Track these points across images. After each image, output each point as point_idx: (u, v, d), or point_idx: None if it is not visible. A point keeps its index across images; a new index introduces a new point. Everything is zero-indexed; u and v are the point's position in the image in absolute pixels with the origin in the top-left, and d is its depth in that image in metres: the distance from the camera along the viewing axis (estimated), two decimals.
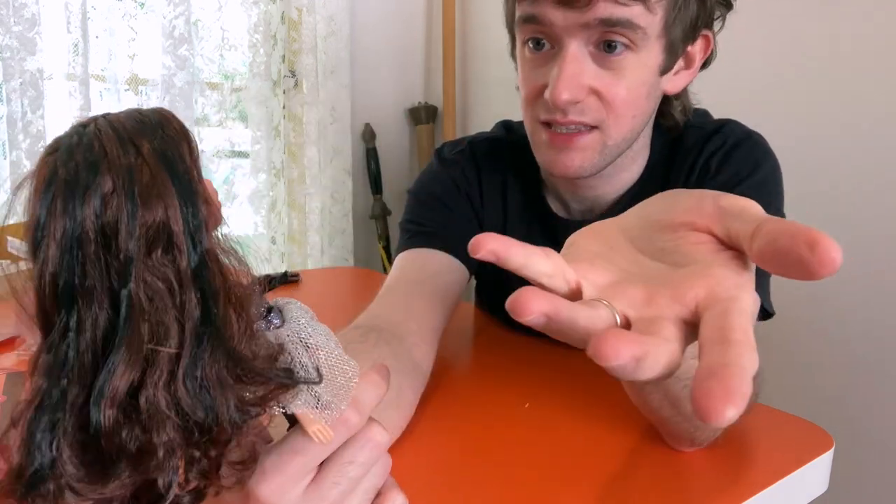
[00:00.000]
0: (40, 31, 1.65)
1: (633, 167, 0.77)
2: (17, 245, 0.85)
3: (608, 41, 0.64)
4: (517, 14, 0.68)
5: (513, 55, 0.76)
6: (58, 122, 1.74)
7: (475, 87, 2.27)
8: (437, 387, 0.68)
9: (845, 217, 1.34)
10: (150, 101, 1.88)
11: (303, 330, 0.31)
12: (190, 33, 1.86)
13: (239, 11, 1.97)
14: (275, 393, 0.29)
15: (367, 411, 0.33)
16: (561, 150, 0.69)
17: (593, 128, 0.68)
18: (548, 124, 0.69)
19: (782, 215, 0.73)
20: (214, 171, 2.02)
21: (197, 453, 0.27)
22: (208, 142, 1.98)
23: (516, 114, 0.88)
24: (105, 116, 0.26)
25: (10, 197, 0.26)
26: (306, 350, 0.31)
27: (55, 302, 0.25)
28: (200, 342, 0.26)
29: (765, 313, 0.70)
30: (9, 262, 1.00)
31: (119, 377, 0.24)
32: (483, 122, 2.20)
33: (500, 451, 0.59)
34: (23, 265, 0.26)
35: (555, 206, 0.82)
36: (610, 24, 0.63)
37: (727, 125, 0.76)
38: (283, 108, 2.06)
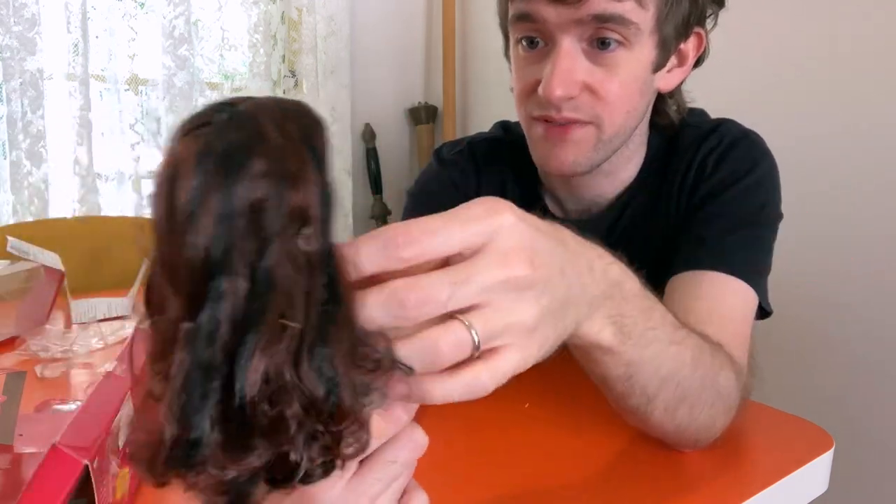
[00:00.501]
0: (40, 31, 1.65)
1: (629, 166, 0.77)
2: (16, 245, 0.85)
3: (601, 38, 0.64)
4: (510, 13, 0.68)
5: (507, 55, 0.76)
6: (58, 122, 1.74)
7: (475, 87, 2.27)
8: None
9: (845, 217, 1.34)
10: (150, 100, 1.88)
11: None
12: (190, 33, 1.86)
13: (239, 11, 1.97)
14: (384, 379, 0.29)
15: (413, 410, 0.34)
16: (556, 145, 0.69)
17: (588, 123, 0.68)
18: (543, 119, 0.69)
19: (779, 214, 0.73)
20: None
21: (319, 428, 0.27)
22: None
23: (516, 114, 0.88)
24: (251, 99, 0.27)
25: (163, 156, 0.26)
26: None
27: (205, 272, 0.25)
28: (327, 321, 0.26)
29: (763, 312, 0.70)
30: (9, 262, 0.99)
31: (261, 350, 0.25)
32: (483, 122, 2.20)
33: (500, 451, 0.59)
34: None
35: (552, 206, 0.82)
36: (602, 19, 0.63)
37: (724, 124, 0.76)
38: None
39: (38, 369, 0.74)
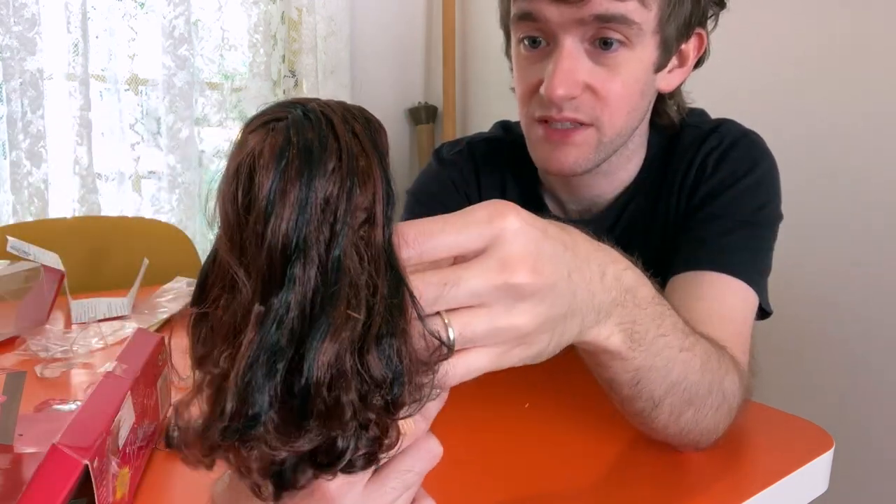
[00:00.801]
0: (40, 31, 1.65)
1: (629, 166, 0.77)
2: (16, 245, 0.85)
3: (603, 38, 0.64)
4: (512, 12, 0.68)
5: (508, 55, 0.76)
6: (58, 122, 1.74)
7: (475, 87, 2.27)
8: None
9: (844, 217, 1.34)
10: (150, 100, 1.88)
11: None
12: (190, 33, 1.86)
13: (239, 11, 1.97)
14: (434, 372, 0.30)
15: (431, 419, 0.34)
16: (556, 146, 0.69)
17: (588, 125, 0.68)
18: (544, 121, 0.69)
19: (779, 215, 0.73)
20: (215, 171, 2.02)
21: (372, 417, 0.28)
22: (208, 142, 1.98)
23: (516, 114, 0.88)
24: (316, 99, 0.29)
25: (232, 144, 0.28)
26: None
27: (283, 258, 0.26)
28: (393, 313, 0.28)
29: (762, 313, 0.70)
30: (8, 262, 0.99)
31: (331, 336, 0.26)
32: (483, 122, 2.20)
33: (500, 451, 0.59)
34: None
35: (552, 206, 0.82)
36: (605, 19, 0.63)
37: (724, 124, 0.76)
38: None
39: (38, 369, 0.74)
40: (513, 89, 0.75)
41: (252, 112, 0.31)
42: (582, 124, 0.68)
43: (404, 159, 2.41)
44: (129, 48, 1.81)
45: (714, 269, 0.66)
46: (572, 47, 0.65)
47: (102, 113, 1.80)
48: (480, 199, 0.90)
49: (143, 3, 1.84)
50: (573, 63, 0.65)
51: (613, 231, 0.78)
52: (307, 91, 2.05)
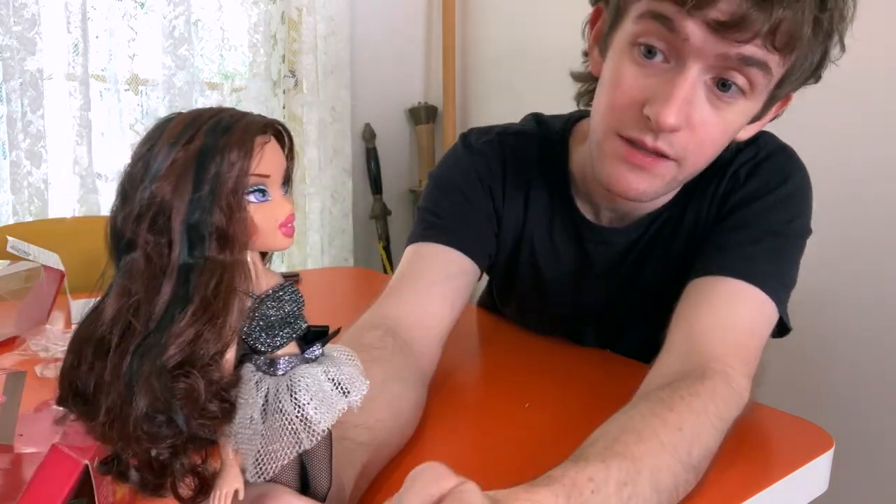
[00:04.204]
0: (40, 31, 1.65)
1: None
2: (16, 245, 0.85)
3: (725, 79, 0.60)
4: (641, 7, 0.61)
5: (595, 46, 0.70)
6: (58, 122, 1.74)
7: (475, 87, 2.27)
8: (438, 387, 0.68)
9: (845, 217, 1.34)
10: (150, 100, 1.88)
11: (338, 375, 0.34)
12: (190, 33, 1.86)
13: (239, 11, 1.97)
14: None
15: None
16: (632, 170, 0.65)
17: (672, 159, 0.64)
18: (629, 140, 0.64)
19: (809, 230, 0.72)
20: None
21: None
22: None
23: (516, 114, 0.87)
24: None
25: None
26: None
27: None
28: (156, 332, 0.29)
29: (782, 326, 0.69)
30: (9, 262, 0.98)
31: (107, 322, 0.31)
32: (483, 122, 2.19)
33: (500, 451, 0.59)
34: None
35: (584, 209, 0.79)
36: (749, 62, 0.58)
37: (761, 136, 0.74)
38: (283, 108, 2.07)
39: (38, 369, 0.74)
40: (573, 74, 0.72)
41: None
42: (666, 157, 0.63)
43: (404, 159, 2.41)
44: (129, 48, 1.81)
45: (734, 276, 0.64)
46: (696, 78, 0.60)
47: (102, 113, 1.80)
48: (504, 196, 0.88)
49: (143, 3, 1.84)
50: (692, 94, 0.60)
51: (640, 241, 0.77)
52: (307, 91, 2.06)
